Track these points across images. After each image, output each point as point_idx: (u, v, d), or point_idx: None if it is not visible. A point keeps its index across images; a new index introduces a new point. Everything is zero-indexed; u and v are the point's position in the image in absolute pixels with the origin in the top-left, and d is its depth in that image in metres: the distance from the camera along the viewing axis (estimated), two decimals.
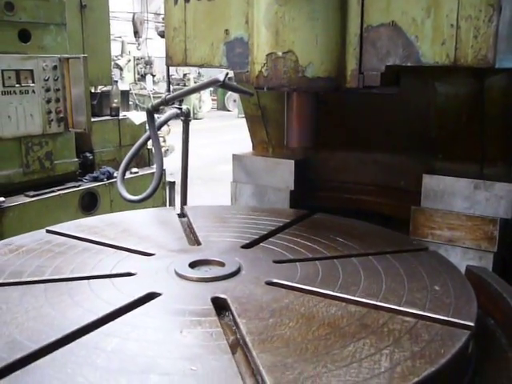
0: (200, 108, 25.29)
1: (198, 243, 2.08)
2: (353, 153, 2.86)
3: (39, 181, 5.00)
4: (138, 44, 23.66)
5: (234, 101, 28.67)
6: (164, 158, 2.95)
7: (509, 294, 1.68)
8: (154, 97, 20.40)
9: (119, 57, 20.02)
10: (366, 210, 2.76)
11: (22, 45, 4.75)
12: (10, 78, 4.52)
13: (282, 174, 2.81)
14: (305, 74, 1.87)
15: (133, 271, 1.75)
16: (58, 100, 4.90)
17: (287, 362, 1.22)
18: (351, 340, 1.33)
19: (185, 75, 26.29)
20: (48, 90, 4.83)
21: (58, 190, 5.03)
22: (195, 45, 2.23)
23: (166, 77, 25.76)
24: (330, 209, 2.52)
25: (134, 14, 23.07)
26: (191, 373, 1.18)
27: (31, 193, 4.82)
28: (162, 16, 30.75)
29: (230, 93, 29.06)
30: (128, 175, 5.16)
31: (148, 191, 2.64)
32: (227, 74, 2.03)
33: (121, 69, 19.50)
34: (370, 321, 1.43)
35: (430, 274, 1.72)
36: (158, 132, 2.77)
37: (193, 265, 1.77)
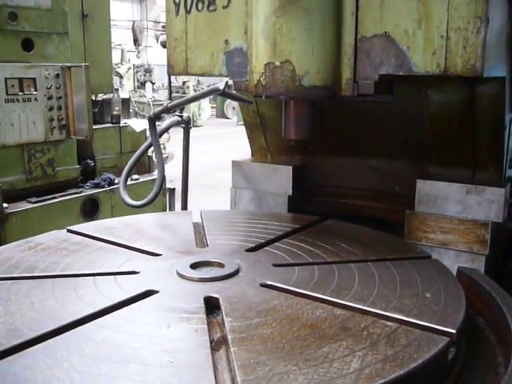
0: (199, 115, 25.28)
1: (205, 245, 2.14)
2: (349, 159, 2.90)
3: (41, 187, 5.03)
4: (138, 52, 23.69)
5: (233, 108, 28.67)
6: (157, 169, 3.01)
7: (498, 293, 1.72)
8: (153, 104, 20.37)
9: (119, 65, 20.04)
10: (362, 215, 2.79)
11: (25, 53, 4.79)
12: (13, 86, 4.55)
13: (280, 179, 2.85)
14: (301, 83, 1.91)
15: (137, 270, 1.83)
16: (60, 108, 4.93)
17: (261, 360, 1.26)
18: (328, 341, 1.36)
19: (184, 83, 26.31)
20: (50, 98, 4.85)
21: (60, 196, 5.06)
22: (196, 54, 2.28)
23: (164, 84, 25.84)
24: (327, 214, 2.55)
25: (134, 22, 23.12)
26: (168, 364, 1.25)
27: (33, 199, 4.85)
28: (162, 24, 30.88)
29: (229, 100, 29.07)
30: (129, 182, 5.20)
31: (149, 197, 2.68)
32: (227, 82, 2.09)
33: (121, 77, 19.52)
34: (352, 324, 1.46)
35: (425, 282, 1.73)
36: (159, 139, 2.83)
37: (194, 266, 1.83)
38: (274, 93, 1.97)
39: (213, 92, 2.13)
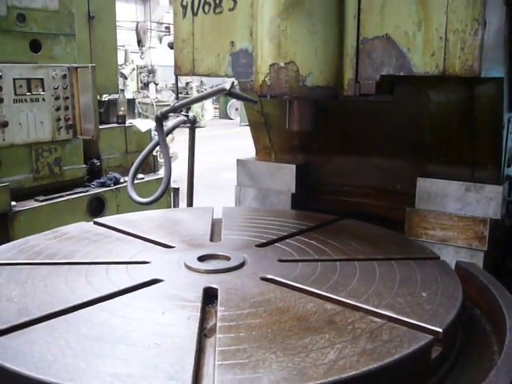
0: (202, 116, 25.29)
1: (219, 240, 2.21)
2: (351, 157, 2.94)
3: (48, 186, 5.09)
4: (142, 53, 23.73)
5: (236, 109, 28.67)
6: (164, 167, 3.07)
7: (494, 286, 1.78)
8: (156, 105, 20.41)
9: (123, 66, 20.08)
10: (364, 212, 2.82)
11: (33, 55, 4.84)
12: (21, 86, 4.60)
13: (284, 177, 2.90)
14: (305, 83, 1.95)
15: (148, 260, 1.92)
16: (67, 108, 4.98)
17: (242, 347, 1.32)
18: (311, 333, 1.39)
19: (187, 84, 26.36)
20: (57, 98, 4.90)
21: (67, 194, 5.12)
22: (203, 55, 2.33)
23: (168, 85, 25.85)
24: (330, 211, 2.59)
25: (138, 23, 23.16)
26: (154, 346, 1.32)
27: (41, 197, 4.91)
28: (165, 25, 30.91)
29: (232, 101, 29.12)
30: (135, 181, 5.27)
31: (156, 194, 2.74)
32: (233, 82, 2.13)
33: (125, 78, 19.56)
34: (339, 318, 1.48)
35: (425, 282, 1.73)
36: None
37: (202, 258, 1.90)
38: (278, 93, 2.02)
39: (219, 92, 2.18)
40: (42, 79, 4.79)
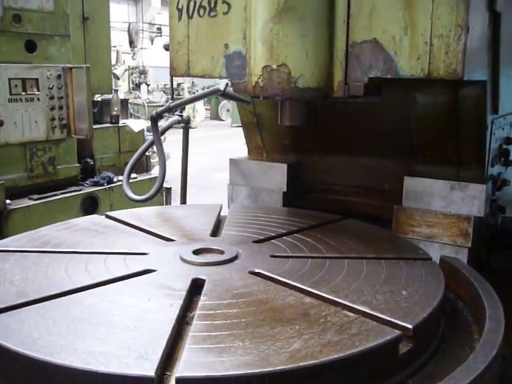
0: (194, 117, 25.26)
1: (218, 235, 2.27)
2: (341, 157, 2.98)
3: (43, 185, 5.15)
4: (133, 54, 23.71)
5: (228, 110, 28.69)
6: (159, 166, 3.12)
7: (475, 279, 1.86)
8: (148, 106, 20.44)
9: (116, 66, 20.07)
10: (354, 211, 2.86)
11: (28, 55, 4.90)
12: (16, 86, 4.66)
13: (276, 176, 2.95)
14: (296, 85, 2.00)
15: (147, 252, 1.99)
16: (61, 107, 5.04)
17: (213, 334, 1.38)
18: (283, 324, 1.43)
19: (179, 85, 26.31)
20: (52, 98, 4.96)
21: (61, 193, 5.18)
22: (197, 57, 2.36)
23: (158, 86, 25.82)
24: (320, 209, 2.64)
25: (130, 24, 23.13)
26: (132, 330, 1.41)
27: (35, 196, 4.97)
28: (157, 26, 30.86)
29: (223, 103, 29.14)
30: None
31: (151, 192, 2.79)
32: (227, 84, 2.19)
33: (117, 78, 19.56)
34: (314, 312, 1.51)
35: (410, 281, 1.74)
36: None
37: (197, 251, 1.97)
38: (271, 94, 2.06)
39: (214, 93, 2.24)
40: (36, 79, 4.85)
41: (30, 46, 4.94)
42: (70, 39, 5.27)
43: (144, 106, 20.32)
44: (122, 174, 2.90)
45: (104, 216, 2.50)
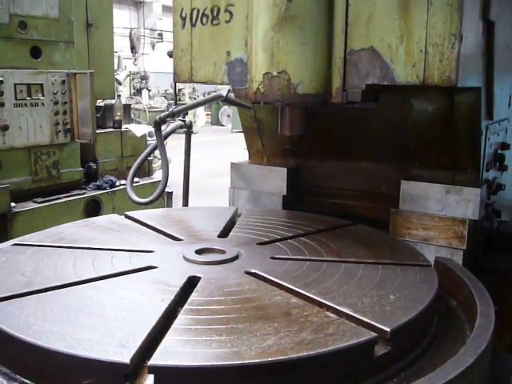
0: (194, 123, 25.32)
1: (226, 236, 2.30)
2: (339, 162, 3.01)
3: (47, 188, 5.21)
4: (135, 59, 23.79)
5: (228, 116, 28.71)
6: (160, 171, 3.18)
7: (468, 278, 1.91)
8: (149, 111, 20.48)
9: (118, 72, 20.14)
10: (351, 214, 2.86)
11: (33, 61, 4.97)
12: (21, 91, 4.72)
13: (276, 180, 2.98)
14: (296, 91, 2.04)
15: (153, 250, 2.06)
16: (65, 112, 5.09)
17: (194, 327, 1.43)
18: (263, 321, 1.45)
19: (180, 90, 26.39)
20: (56, 103, 5.02)
21: (64, 197, 5.24)
22: (200, 64, 2.40)
23: (159, 92, 25.85)
24: (318, 213, 2.67)
25: (132, 29, 23.22)
26: (121, 320, 1.48)
27: (39, 199, 5.03)
28: (158, 32, 30.93)
29: (223, 108, 29.16)
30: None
31: (155, 195, 2.85)
32: (229, 90, 2.25)
33: (119, 83, 19.64)
34: (296, 311, 1.53)
35: (401, 287, 1.73)
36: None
37: (200, 251, 2.01)
38: (271, 99, 2.10)
39: (217, 98, 2.30)
40: (41, 84, 4.90)
41: (35, 52, 5.01)
42: (74, 45, 5.34)
43: (145, 111, 20.35)
44: (124, 178, 2.97)
45: (123, 216, 2.56)
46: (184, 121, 3.28)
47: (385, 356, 1.43)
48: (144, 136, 6.62)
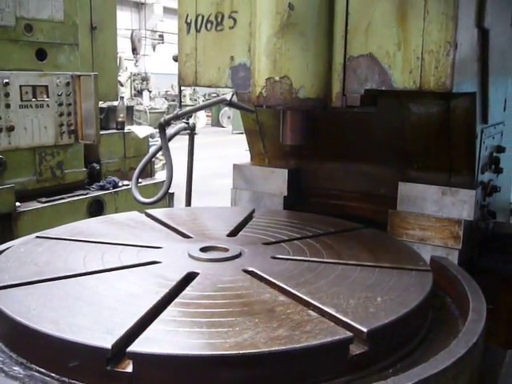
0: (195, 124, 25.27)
1: (235, 235, 2.34)
2: (339, 164, 3.06)
3: (51, 188, 5.26)
4: (136, 60, 23.82)
5: (228, 117, 28.73)
6: (162, 172, 3.24)
7: (462, 276, 1.97)
8: (150, 112, 20.50)
9: (119, 73, 20.17)
10: (351, 215, 2.87)
11: (38, 63, 5.02)
12: (27, 92, 4.78)
13: (277, 181, 3.01)
14: (297, 95, 2.08)
15: (162, 246, 2.12)
16: (69, 114, 5.14)
17: (179, 319, 1.47)
18: (244, 316, 1.48)
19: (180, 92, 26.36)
20: (61, 105, 5.07)
21: (68, 197, 5.29)
22: (204, 68, 2.45)
23: (160, 93, 25.85)
24: (319, 213, 2.71)
25: (133, 31, 23.27)
26: (113, 309, 1.54)
27: (43, 199, 5.08)
28: (159, 33, 30.95)
29: (224, 110, 29.19)
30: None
31: (159, 195, 2.90)
32: (233, 94, 2.30)
33: (121, 85, 19.69)
34: (280, 309, 1.54)
35: (391, 290, 1.73)
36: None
37: (204, 249, 2.07)
38: (273, 103, 2.16)
39: (221, 102, 2.35)
40: (46, 86, 4.96)
41: (41, 55, 5.06)
42: (78, 48, 5.39)
43: (146, 112, 20.38)
44: (127, 179, 3.03)
45: (144, 214, 2.60)
46: (188, 123, 3.35)
47: (361, 356, 1.44)
48: (146, 137, 6.67)
